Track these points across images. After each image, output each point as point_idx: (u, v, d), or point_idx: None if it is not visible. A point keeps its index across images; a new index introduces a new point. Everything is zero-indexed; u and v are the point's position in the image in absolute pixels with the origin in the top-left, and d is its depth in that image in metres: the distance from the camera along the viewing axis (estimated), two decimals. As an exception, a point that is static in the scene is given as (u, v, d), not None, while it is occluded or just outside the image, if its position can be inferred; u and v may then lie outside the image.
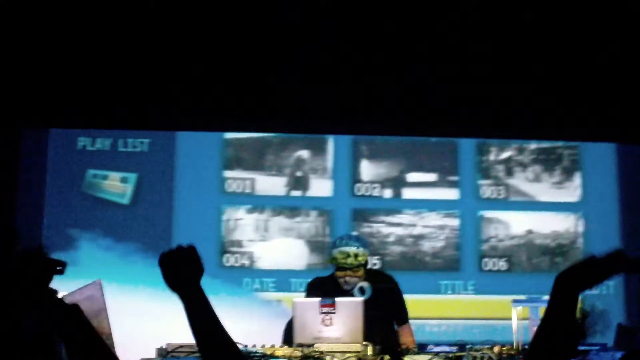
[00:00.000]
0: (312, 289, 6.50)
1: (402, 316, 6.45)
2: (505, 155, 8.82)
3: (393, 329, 6.41)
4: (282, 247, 8.44)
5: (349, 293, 6.24)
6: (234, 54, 7.99)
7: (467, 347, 5.46)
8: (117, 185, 8.36)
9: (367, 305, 5.84)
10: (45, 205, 8.20)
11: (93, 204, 8.30)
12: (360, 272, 6.32)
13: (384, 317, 6.23)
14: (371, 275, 6.46)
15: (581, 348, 5.40)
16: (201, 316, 2.75)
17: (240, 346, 5.25)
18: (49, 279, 5.19)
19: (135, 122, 8.29)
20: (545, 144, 8.87)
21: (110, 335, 5.16)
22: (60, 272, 5.19)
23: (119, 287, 7.43)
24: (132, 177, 8.42)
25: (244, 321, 8.00)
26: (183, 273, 2.79)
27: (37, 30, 7.65)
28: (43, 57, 7.82)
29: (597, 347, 5.55)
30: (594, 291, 8.14)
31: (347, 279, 6.29)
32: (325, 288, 6.40)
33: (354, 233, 7.58)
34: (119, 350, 3.68)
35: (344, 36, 7.86)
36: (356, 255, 6.23)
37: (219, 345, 2.74)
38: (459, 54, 8.10)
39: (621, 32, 7.87)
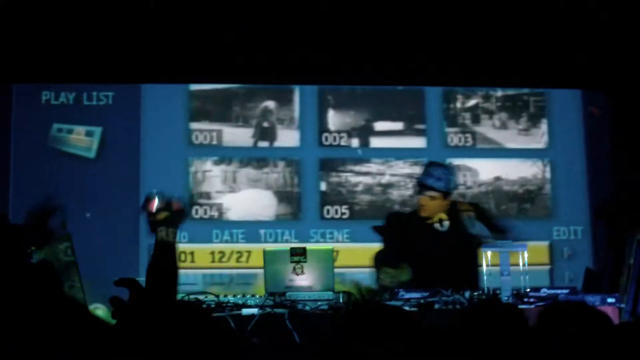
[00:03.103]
0: (392, 219, 6.54)
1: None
2: (471, 102, 8.82)
3: (471, 257, 6.28)
4: (250, 198, 8.42)
5: (429, 223, 6.31)
6: (198, 2, 7.94)
7: (438, 293, 5.49)
8: (82, 139, 8.29)
9: (444, 238, 6.11)
10: (12, 161, 8.12)
11: (59, 158, 8.23)
12: (437, 202, 6.29)
13: (460, 249, 6.23)
14: (454, 206, 6.40)
15: (551, 292, 5.48)
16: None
17: (212, 296, 5.28)
18: (17, 243, 5.19)
19: (99, 75, 8.22)
20: (511, 91, 8.88)
21: (81, 288, 5.17)
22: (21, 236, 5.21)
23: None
24: (97, 130, 8.35)
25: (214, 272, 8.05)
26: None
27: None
28: (2, 13, 7.73)
29: (566, 291, 5.60)
30: (563, 237, 8.24)
31: (423, 202, 6.28)
32: (403, 218, 6.59)
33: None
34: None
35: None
36: (436, 179, 6.24)
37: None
38: (423, 2, 8.09)
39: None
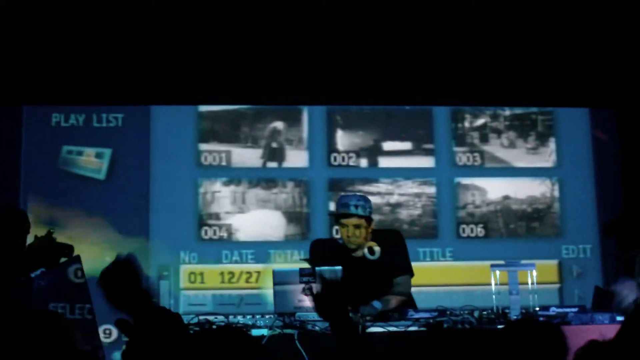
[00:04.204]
0: (316, 250, 6.42)
1: (399, 267, 6.22)
2: (479, 122, 8.83)
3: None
4: (260, 219, 8.44)
5: (356, 253, 6.20)
6: (206, 25, 7.98)
7: (447, 312, 5.49)
8: (92, 161, 8.32)
9: (376, 267, 6.03)
10: (22, 183, 8.16)
11: (69, 180, 8.26)
12: (363, 230, 6.20)
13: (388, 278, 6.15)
14: (379, 235, 6.31)
15: (560, 310, 5.46)
16: None
17: (220, 317, 5.29)
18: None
19: (109, 97, 8.26)
20: (519, 110, 8.89)
21: (91, 310, 5.19)
22: (68, 256, 5.28)
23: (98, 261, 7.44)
24: (107, 152, 8.38)
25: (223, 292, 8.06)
26: None
27: (6, 7, 7.61)
28: (13, 34, 7.78)
29: (575, 309, 5.59)
30: (572, 255, 8.21)
31: (350, 233, 6.20)
32: (328, 248, 6.43)
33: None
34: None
35: (317, 6, 7.87)
36: (356, 206, 6.17)
37: None
38: (431, 23, 8.12)
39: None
